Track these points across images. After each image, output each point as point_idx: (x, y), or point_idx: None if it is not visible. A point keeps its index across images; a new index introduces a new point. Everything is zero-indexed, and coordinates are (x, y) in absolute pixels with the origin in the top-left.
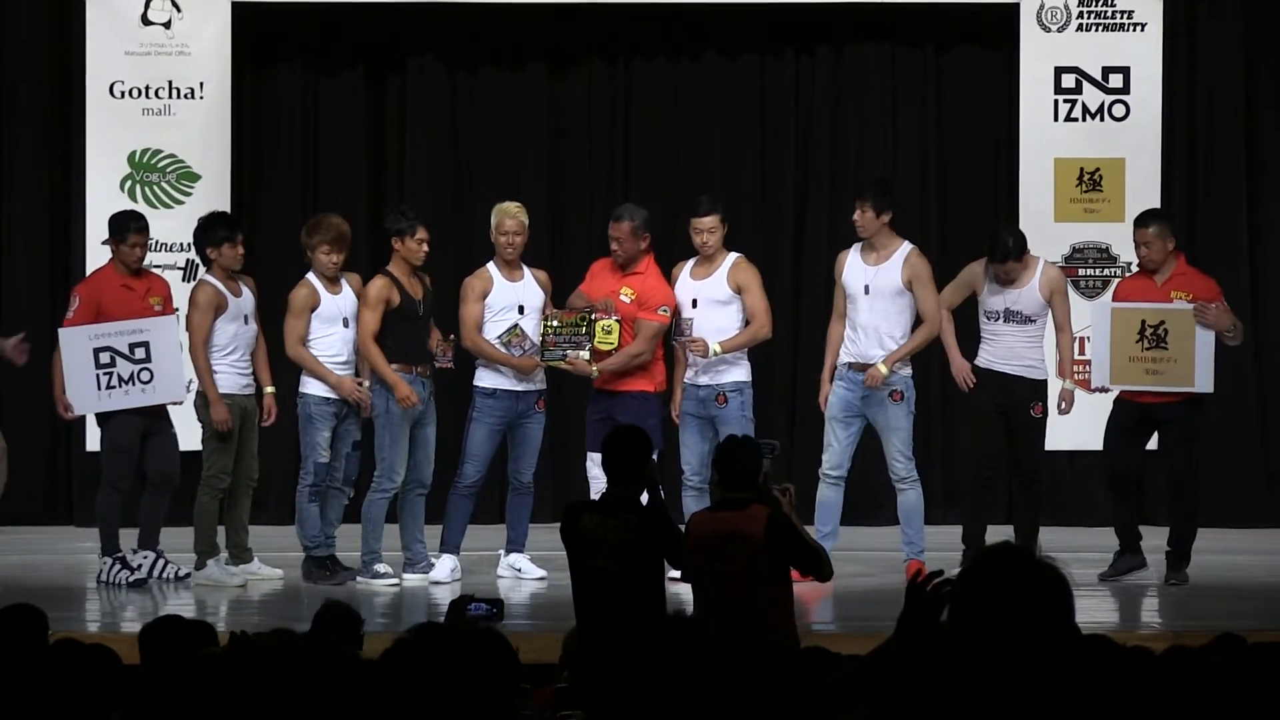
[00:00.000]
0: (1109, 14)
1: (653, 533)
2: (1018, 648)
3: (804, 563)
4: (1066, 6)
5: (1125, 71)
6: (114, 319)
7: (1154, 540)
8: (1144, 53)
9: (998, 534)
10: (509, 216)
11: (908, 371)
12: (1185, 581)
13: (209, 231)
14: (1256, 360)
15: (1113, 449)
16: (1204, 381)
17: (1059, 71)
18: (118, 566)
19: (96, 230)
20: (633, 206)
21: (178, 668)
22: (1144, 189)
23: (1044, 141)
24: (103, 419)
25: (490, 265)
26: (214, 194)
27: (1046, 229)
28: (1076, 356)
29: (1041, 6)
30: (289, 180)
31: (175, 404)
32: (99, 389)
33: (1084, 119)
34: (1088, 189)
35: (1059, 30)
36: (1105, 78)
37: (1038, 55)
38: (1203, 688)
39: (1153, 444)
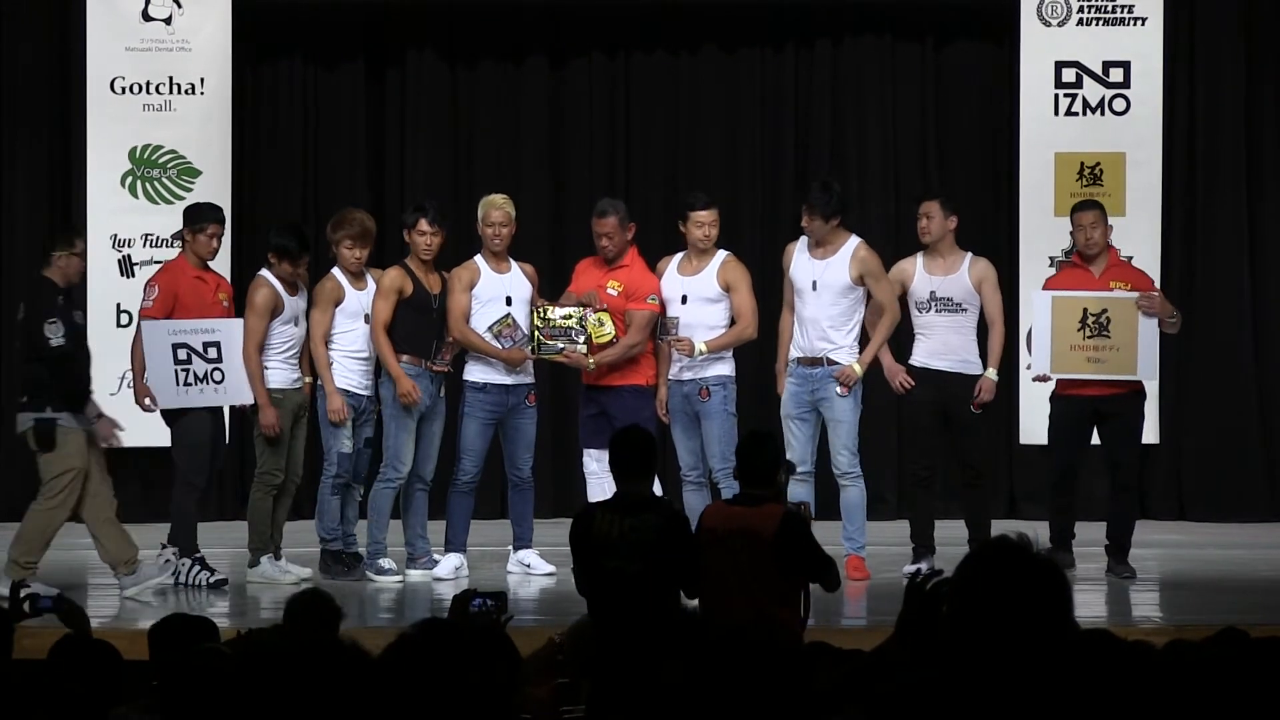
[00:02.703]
0: (1109, 8)
1: (672, 538)
2: (1016, 643)
3: (812, 569)
4: (1067, 1)
5: (1126, 66)
6: (189, 311)
7: (1093, 533)
8: (1144, 47)
9: (945, 528)
10: (495, 208)
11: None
12: (1134, 574)
13: (277, 237)
14: (1256, 353)
15: (1060, 448)
16: (1147, 370)
17: (1059, 66)
18: (197, 567)
19: (97, 226)
20: (611, 199)
21: (182, 664)
22: (1145, 183)
23: (1044, 136)
24: (173, 416)
25: (478, 257)
26: (214, 189)
27: (1047, 223)
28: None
29: (1042, 1)
30: (289, 175)
31: (244, 406)
32: (178, 384)
33: (1084, 113)
34: (1088, 183)
35: (1059, 24)
36: (1106, 72)
37: (1038, 49)
38: (1204, 683)
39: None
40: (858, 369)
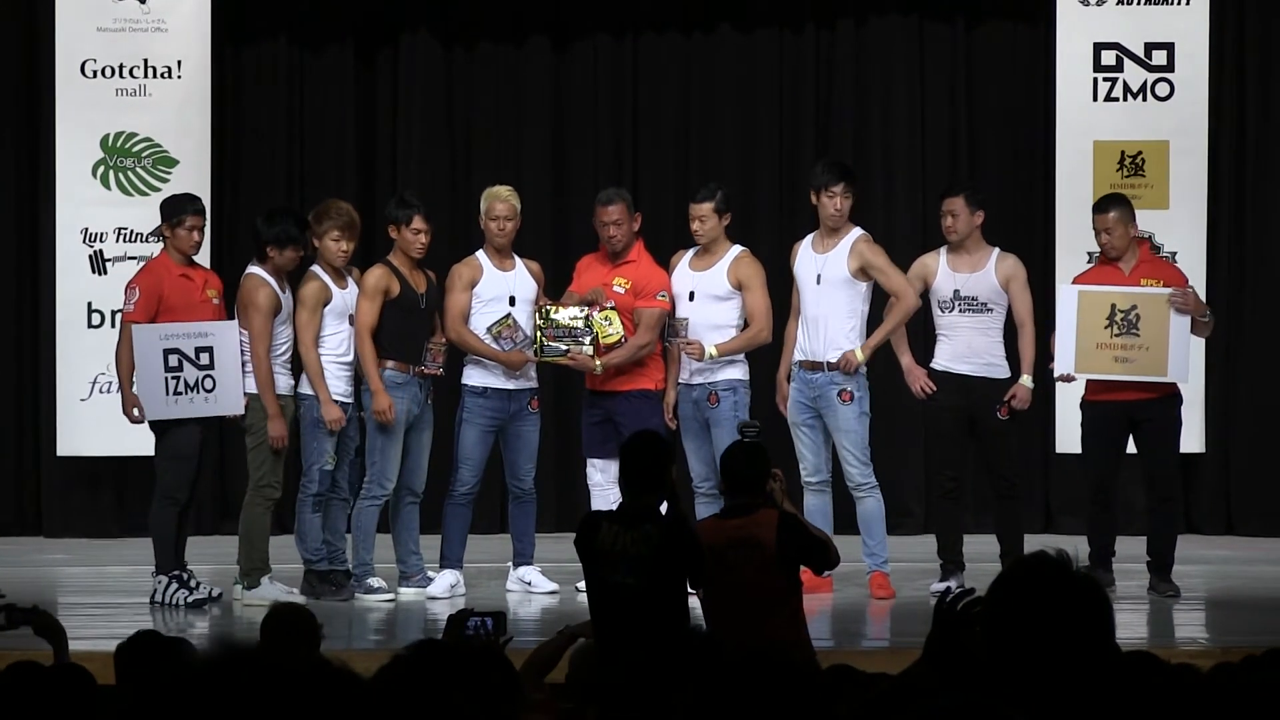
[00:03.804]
0: None
1: (674, 546)
2: (1054, 666)
3: (815, 557)
4: None
5: (1169, 48)
6: (176, 312)
7: (1133, 549)
8: (1190, 27)
9: (976, 544)
10: (499, 200)
11: (863, 368)
12: (1178, 592)
13: (276, 226)
14: None
15: (1095, 459)
16: (1178, 371)
17: (1098, 48)
18: (174, 586)
19: (67, 218)
20: (615, 188)
21: (158, 686)
22: (1189, 173)
23: (1082, 123)
24: (161, 426)
25: (480, 253)
26: (192, 180)
27: (1085, 216)
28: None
29: None
30: (273, 166)
31: (235, 416)
32: (167, 394)
33: (1125, 98)
34: (1129, 174)
35: (1098, 3)
36: (1148, 54)
37: (1075, 30)
38: (1253, 706)
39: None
40: (859, 355)
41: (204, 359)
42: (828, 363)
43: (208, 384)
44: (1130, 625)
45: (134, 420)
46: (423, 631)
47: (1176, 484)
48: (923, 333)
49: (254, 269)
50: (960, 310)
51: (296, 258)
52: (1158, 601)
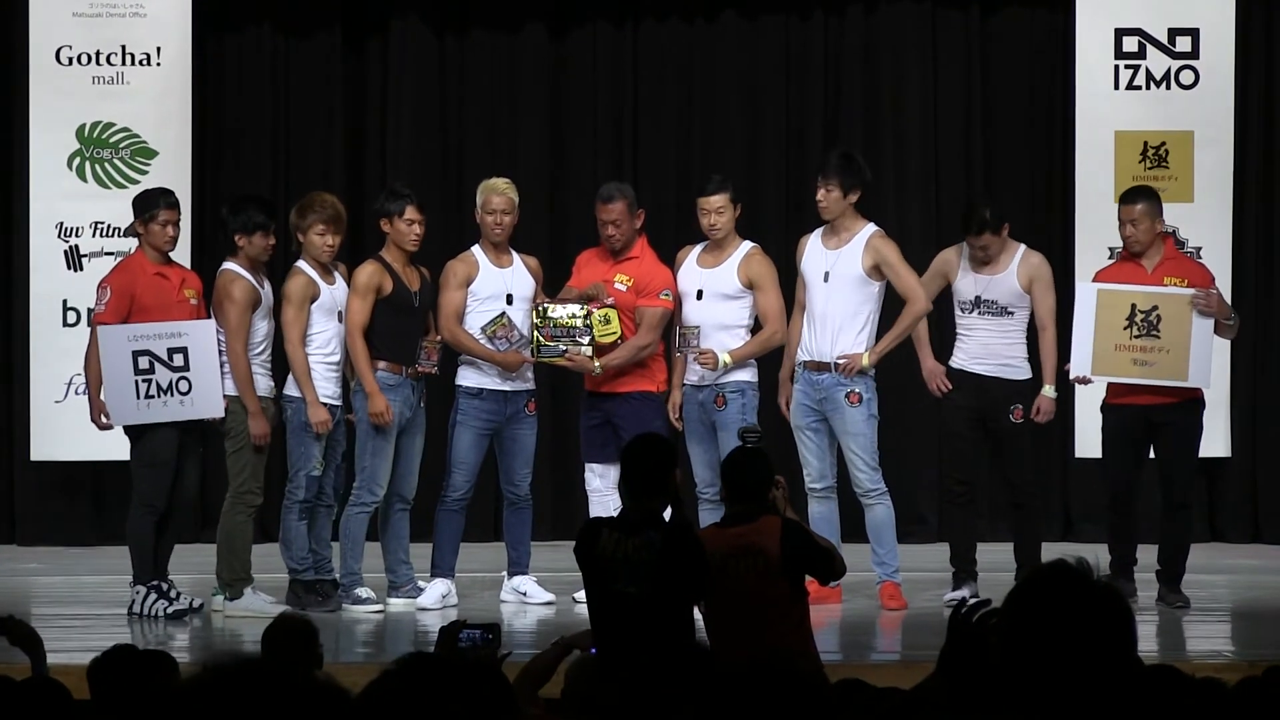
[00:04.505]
0: None
1: (678, 553)
2: (1074, 681)
3: (820, 566)
4: None
5: (1194, 34)
6: (150, 313)
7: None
8: (1215, 13)
9: (991, 552)
10: (496, 194)
11: (870, 371)
12: (1188, 603)
13: (241, 214)
14: None
15: (1115, 464)
16: (1199, 376)
17: (1120, 34)
18: (153, 596)
19: (40, 213)
20: (617, 183)
21: (140, 702)
22: (1215, 165)
23: (1103, 113)
24: (135, 431)
25: (475, 249)
26: (172, 173)
27: (1106, 210)
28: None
29: None
30: (257, 158)
31: (213, 419)
32: (138, 398)
33: (1148, 87)
34: (1152, 165)
35: None
36: (1172, 40)
37: (1096, 15)
38: None
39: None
40: (865, 359)
41: (178, 360)
42: (835, 363)
43: (182, 386)
44: (1152, 637)
45: (102, 427)
46: (413, 644)
47: (1193, 492)
48: (944, 330)
49: (228, 264)
50: (980, 313)
51: (268, 245)
52: (1166, 612)
